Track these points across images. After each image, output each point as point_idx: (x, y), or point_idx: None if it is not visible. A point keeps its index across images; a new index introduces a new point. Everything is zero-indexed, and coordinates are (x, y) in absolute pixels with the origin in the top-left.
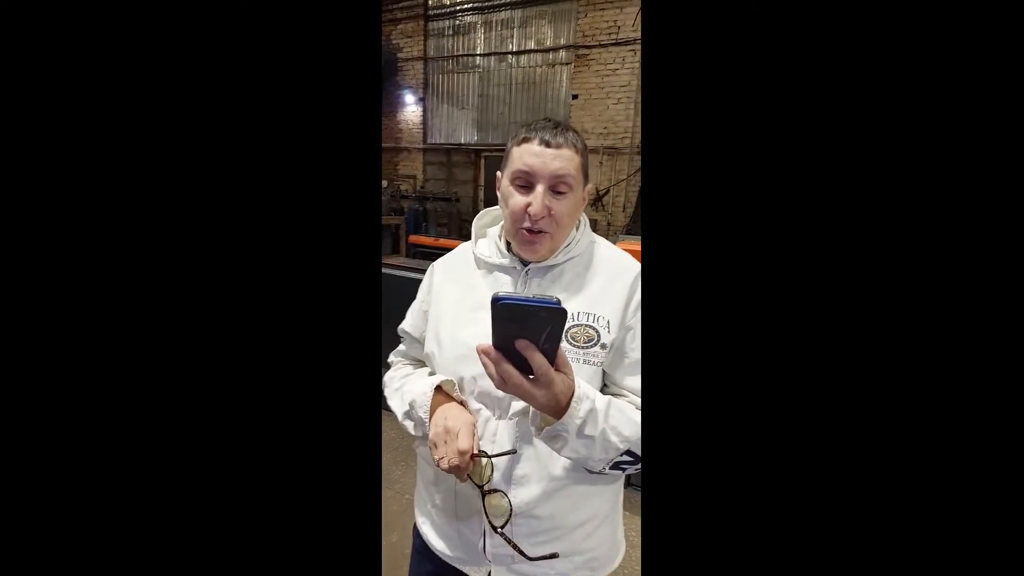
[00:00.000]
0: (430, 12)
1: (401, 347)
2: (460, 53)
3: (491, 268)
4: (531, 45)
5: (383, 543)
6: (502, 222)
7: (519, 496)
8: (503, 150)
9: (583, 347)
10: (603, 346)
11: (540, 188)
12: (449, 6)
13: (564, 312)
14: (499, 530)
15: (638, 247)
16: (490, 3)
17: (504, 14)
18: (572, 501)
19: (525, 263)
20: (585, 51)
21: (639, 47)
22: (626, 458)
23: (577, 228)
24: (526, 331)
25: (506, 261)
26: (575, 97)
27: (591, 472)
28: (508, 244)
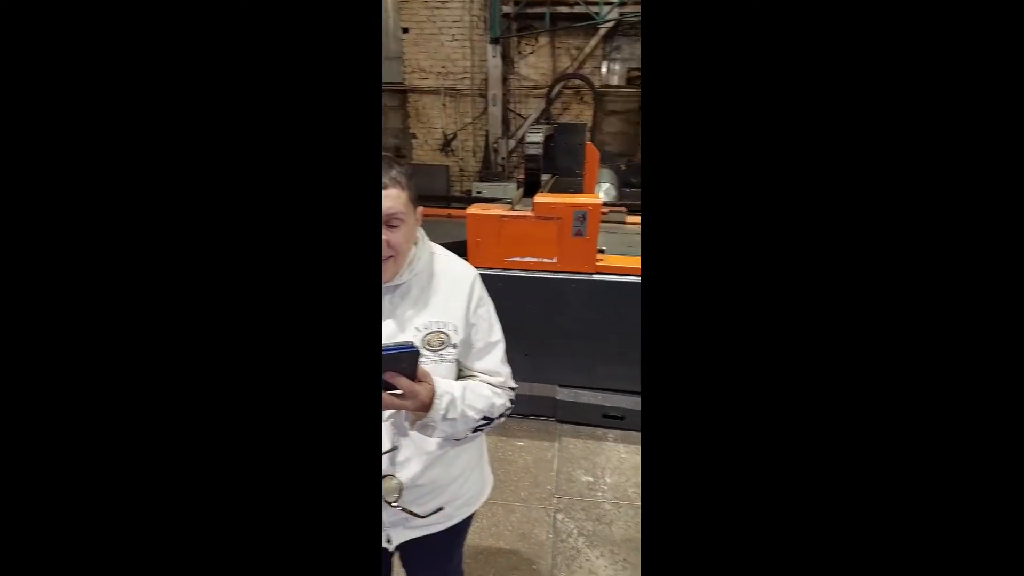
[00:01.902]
0: None
1: None
2: None
3: None
4: None
5: None
6: None
7: (405, 475)
8: None
9: (437, 350)
10: (454, 346)
11: None
12: None
13: (417, 352)
14: (393, 504)
15: (493, 211)
16: None
17: None
18: (445, 464)
19: None
20: None
21: None
22: (482, 423)
23: (416, 244)
24: (391, 366)
25: None
26: (406, 31)
27: (457, 440)
28: None
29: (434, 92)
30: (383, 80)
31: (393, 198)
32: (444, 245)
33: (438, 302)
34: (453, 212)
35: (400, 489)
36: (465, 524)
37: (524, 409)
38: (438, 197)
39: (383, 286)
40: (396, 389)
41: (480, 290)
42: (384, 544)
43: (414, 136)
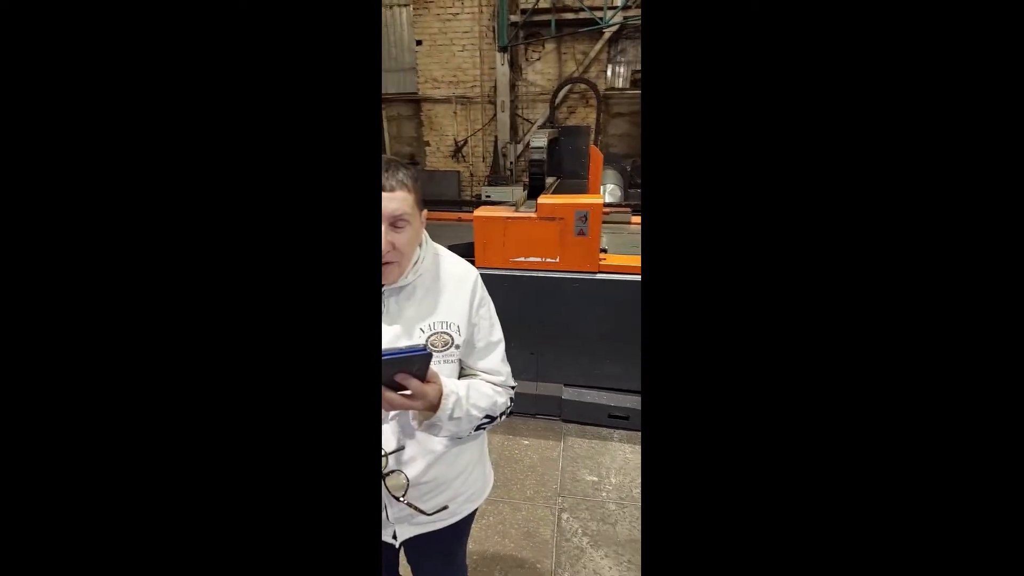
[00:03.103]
0: None
1: None
2: None
3: None
4: None
5: None
6: None
7: (411, 472)
8: None
9: (441, 351)
10: (457, 347)
11: (382, 227)
12: None
13: (429, 355)
14: (400, 499)
15: (498, 213)
16: None
17: None
18: (449, 462)
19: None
20: None
21: None
22: (485, 421)
23: (421, 246)
24: (403, 368)
25: None
26: (419, 43)
27: (460, 438)
28: None
29: (446, 101)
30: (399, 91)
31: (400, 200)
32: (455, 247)
33: (442, 303)
34: (463, 216)
35: (407, 485)
36: (468, 520)
37: (530, 408)
38: (449, 202)
39: (389, 287)
40: (406, 390)
41: (481, 290)
42: (390, 540)
43: (427, 144)
